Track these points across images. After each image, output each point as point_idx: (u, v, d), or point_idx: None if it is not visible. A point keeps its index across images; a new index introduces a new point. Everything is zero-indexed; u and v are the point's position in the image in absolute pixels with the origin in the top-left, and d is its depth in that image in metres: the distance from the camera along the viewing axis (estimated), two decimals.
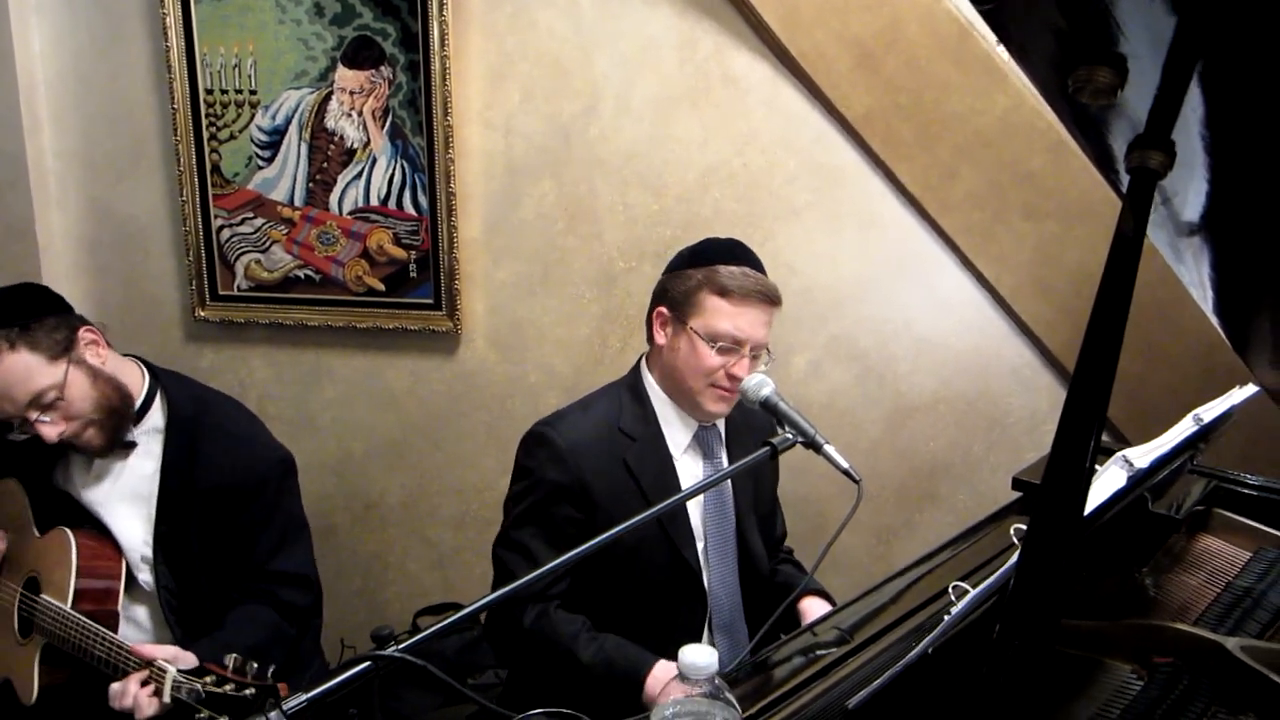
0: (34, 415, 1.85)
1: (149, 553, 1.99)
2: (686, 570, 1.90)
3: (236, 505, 2.00)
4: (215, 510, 1.99)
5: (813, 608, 1.96)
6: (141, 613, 2.03)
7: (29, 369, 1.84)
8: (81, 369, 1.90)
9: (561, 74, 2.59)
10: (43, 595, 1.94)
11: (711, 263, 1.87)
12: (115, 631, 1.93)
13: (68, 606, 1.89)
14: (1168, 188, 1.07)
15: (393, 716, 2.27)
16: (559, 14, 2.56)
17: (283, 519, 2.08)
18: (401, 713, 2.27)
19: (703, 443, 1.96)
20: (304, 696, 1.01)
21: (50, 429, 1.87)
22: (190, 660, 1.75)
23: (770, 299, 1.86)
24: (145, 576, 2.00)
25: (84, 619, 1.85)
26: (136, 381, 2.01)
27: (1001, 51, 2.36)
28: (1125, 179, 0.96)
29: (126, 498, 2.01)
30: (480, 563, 2.98)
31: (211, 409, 2.08)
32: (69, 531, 1.95)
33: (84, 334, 1.93)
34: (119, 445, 1.98)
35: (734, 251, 1.90)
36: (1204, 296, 1.48)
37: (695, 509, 1.93)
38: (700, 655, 1.11)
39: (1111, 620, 1.48)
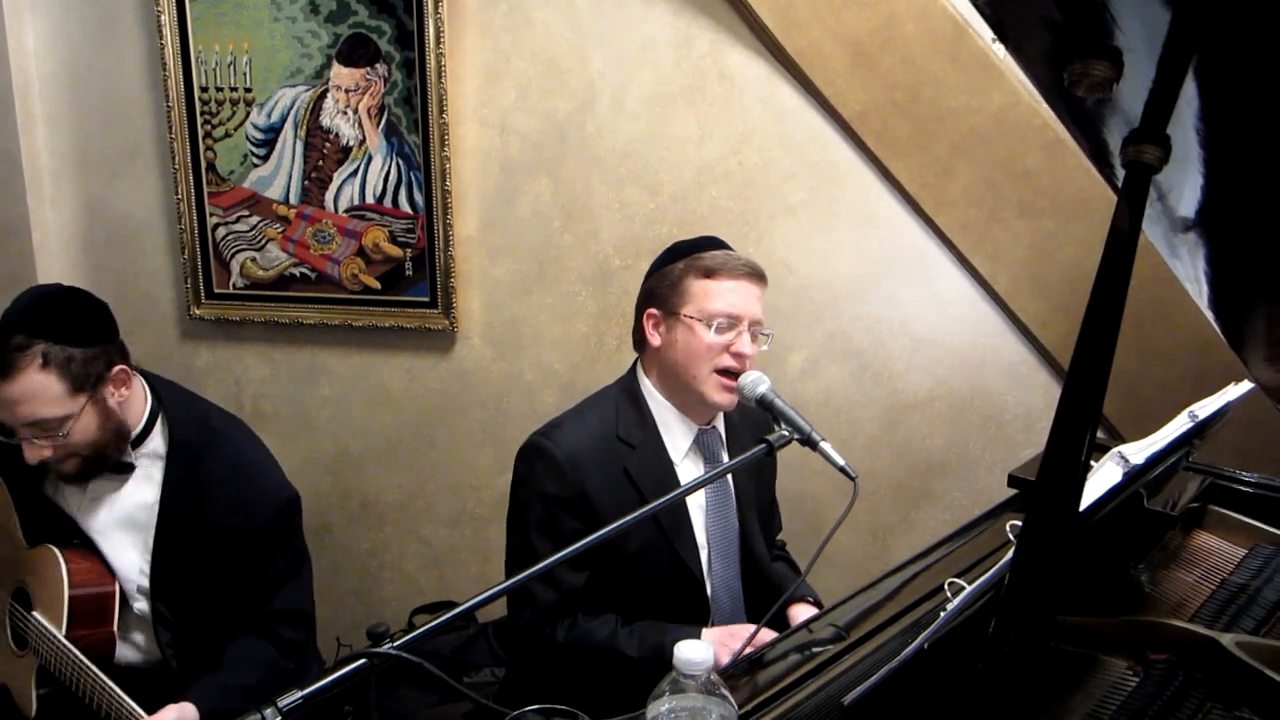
0: (26, 434, 1.77)
1: (145, 583, 1.92)
2: (689, 578, 1.89)
3: (239, 547, 1.93)
4: (217, 550, 1.91)
5: (802, 614, 1.95)
6: (138, 636, 1.97)
7: (47, 393, 1.75)
8: (97, 408, 1.81)
9: (557, 72, 2.59)
10: (35, 613, 1.88)
11: (690, 253, 1.89)
12: (113, 653, 1.90)
13: (62, 633, 1.82)
14: (1163, 183, 1.07)
15: (388, 715, 2.27)
16: (555, 12, 2.55)
17: (284, 558, 2.00)
18: (397, 711, 2.27)
19: (703, 446, 1.95)
20: (299, 694, 1.00)
21: (35, 452, 1.78)
22: (193, 716, 1.71)
23: (756, 274, 1.88)
24: (141, 605, 1.93)
25: (82, 658, 1.77)
26: (139, 408, 1.93)
27: (997, 48, 2.36)
28: (1120, 174, 0.96)
29: (123, 525, 1.94)
30: (476, 561, 2.98)
31: (216, 438, 1.98)
32: (57, 552, 1.88)
33: (116, 374, 1.84)
34: (108, 470, 1.90)
35: (709, 241, 1.92)
36: (1199, 293, 1.48)
37: (699, 517, 1.92)
38: (696, 651, 1.11)
39: (1107, 617, 1.48)
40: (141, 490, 1.94)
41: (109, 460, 1.88)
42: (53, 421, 1.76)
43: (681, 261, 1.88)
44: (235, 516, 1.92)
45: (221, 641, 1.93)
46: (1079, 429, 0.94)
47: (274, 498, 1.99)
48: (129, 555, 1.93)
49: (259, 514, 1.94)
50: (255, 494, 1.96)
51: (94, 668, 1.76)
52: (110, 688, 1.72)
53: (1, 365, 1.72)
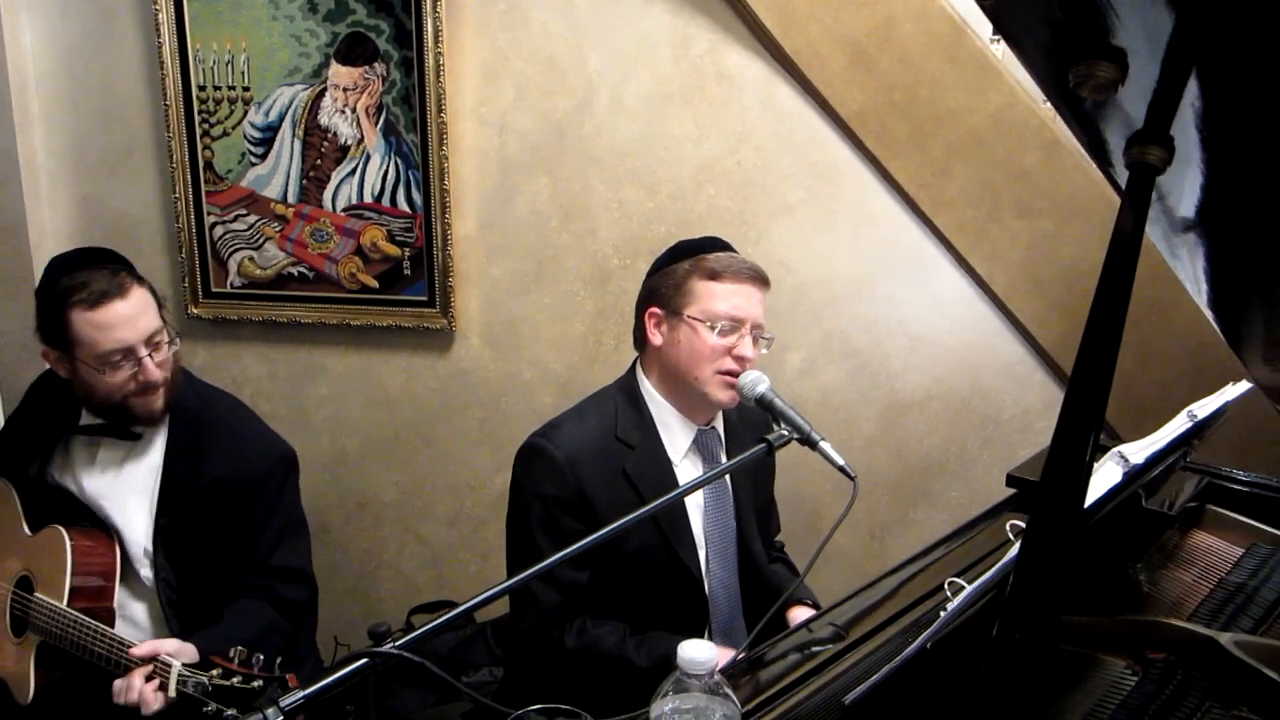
0: (144, 352, 1.87)
1: (150, 545, 1.98)
2: (688, 577, 1.89)
3: (240, 500, 2.00)
4: (218, 505, 1.99)
5: (800, 617, 1.95)
6: (138, 610, 2.02)
7: (150, 305, 1.91)
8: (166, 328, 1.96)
9: (555, 71, 2.59)
10: (37, 594, 1.93)
11: (694, 254, 1.89)
12: (112, 624, 1.93)
13: (63, 604, 1.88)
14: (1164, 184, 1.08)
15: (387, 715, 2.27)
16: (553, 11, 2.55)
17: (283, 515, 2.08)
18: (396, 710, 2.27)
19: (702, 446, 1.95)
20: (301, 693, 1.01)
21: (157, 370, 1.89)
22: (192, 653, 1.74)
23: (759, 277, 1.88)
24: (145, 570, 1.99)
25: (81, 616, 1.84)
26: None
27: (995, 48, 2.36)
28: (1123, 174, 0.96)
29: (130, 490, 2.00)
30: (474, 560, 2.98)
31: (215, 405, 2.09)
32: (62, 529, 1.94)
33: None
34: (130, 434, 1.99)
35: (713, 242, 1.93)
36: (1199, 292, 1.48)
37: (697, 515, 1.92)
38: (699, 650, 1.11)
39: (1106, 616, 1.48)
40: (146, 456, 2.02)
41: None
42: (159, 333, 1.92)
43: (686, 262, 1.88)
44: (234, 469, 2.01)
45: (223, 603, 1.99)
46: (1083, 429, 0.94)
47: (271, 450, 2.10)
48: (136, 519, 1.99)
49: (257, 465, 2.04)
50: (253, 448, 2.07)
51: (93, 621, 1.83)
52: (110, 634, 1.80)
53: (113, 289, 1.86)
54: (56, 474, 2.04)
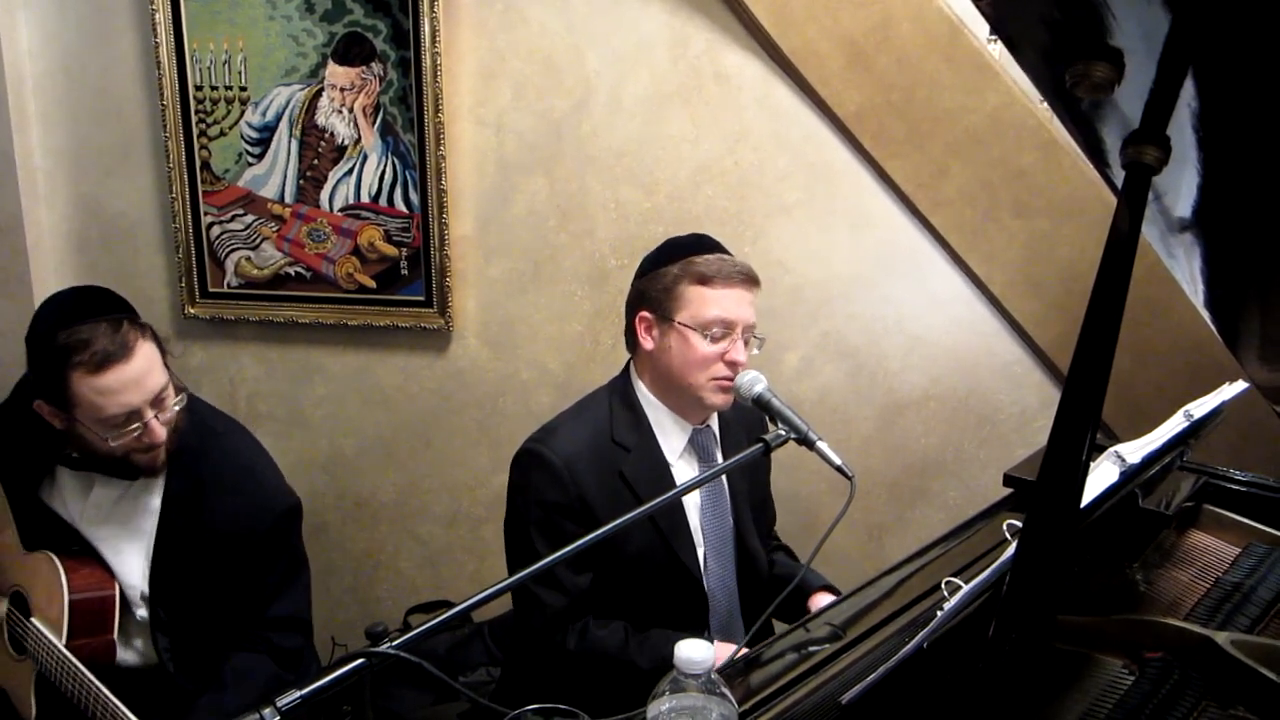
0: (150, 415, 1.76)
1: (146, 589, 1.90)
2: (687, 576, 1.89)
3: (241, 553, 1.91)
4: (218, 555, 1.90)
5: (822, 604, 1.96)
6: (138, 641, 1.95)
7: (157, 360, 1.78)
8: (171, 377, 1.84)
9: (553, 71, 2.59)
10: (33, 620, 1.86)
11: (683, 256, 1.87)
12: (113, 660, 1.88)
13: (62, 641, 1.80)
14: (1160, 184, 1.08)
15: (384, 715, 2.27)
16: (550, 11, 2.55)
17: (283, 564, 1.99)
18: (394, 710, 2.27)
19: (698, 446, 1.95)
20: (298, 693, 1.00)
21: (160, 429, 1.78)
22: None
23: (750, 279, 1.86)
24: (141, 612, 1.91)
25: (82, 668, 1.74)
26: None
27: (993, 49, 2.37)
28: (1120, 174, 0.96)
29: (125, 530, 1.91)
30: (471, 560, 2.98)
31: (217, 442, 1.97)
32: (56, 560, 1.85)
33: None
34: (126, 475, 1.88)
35: (702, 243, 1.90)
36: (1195, 291, 1.49)
37: (694, 514, 1.92)
38: (696, 650, 1.11)
39: (1102, 615, 1.48)
40: (143, 496, 1.92)
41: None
42: (165, 389, 1.78)
43: (675, 265, 1.85)
44: (236, 524, 1.90)
45: (219, 648, 1.92)
46: (1080, 429, 0.95)
47: (276, 506, 1.97)
48: (131, 561, 1.91)
49: (260, 522, 1.93)
50: (257, 502, 1.94)
51: (94, 680, 1.72)
52: (111, 701, 1.69)
53: (117, 349, 1.71)
54: (46, 496, 1.95)
